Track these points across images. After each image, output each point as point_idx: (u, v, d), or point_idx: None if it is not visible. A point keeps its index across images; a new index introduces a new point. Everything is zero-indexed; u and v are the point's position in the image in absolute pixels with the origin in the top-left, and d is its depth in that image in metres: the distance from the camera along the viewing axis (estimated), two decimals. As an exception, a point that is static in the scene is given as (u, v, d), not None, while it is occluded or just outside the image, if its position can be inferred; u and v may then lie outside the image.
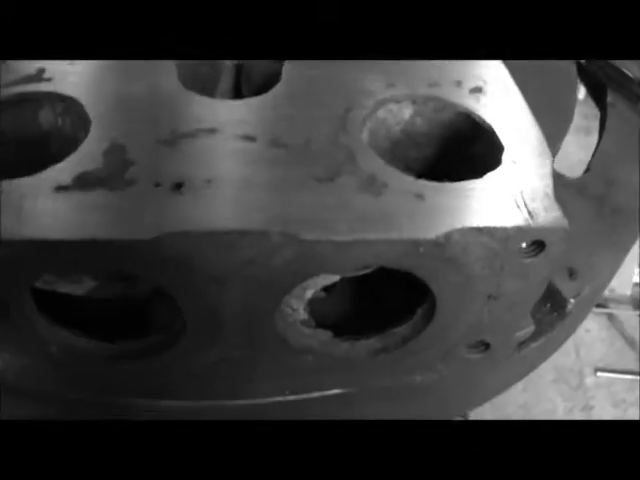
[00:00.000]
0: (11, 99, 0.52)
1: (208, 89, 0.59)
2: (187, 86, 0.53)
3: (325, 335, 0.52)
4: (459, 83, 0.54)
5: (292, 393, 0.53)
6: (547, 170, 0.49)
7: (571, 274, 0.59)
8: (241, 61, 0.62)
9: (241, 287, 0.44)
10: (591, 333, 1.21)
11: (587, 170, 0.68)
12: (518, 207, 0.46)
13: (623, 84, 0.81)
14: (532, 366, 0.62)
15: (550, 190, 0.48)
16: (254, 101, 0.51)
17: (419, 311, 0.50)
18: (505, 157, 0.49)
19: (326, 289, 0.54)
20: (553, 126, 0.67)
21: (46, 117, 0.54)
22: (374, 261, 0.44)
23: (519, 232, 0.45)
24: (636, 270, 1.39)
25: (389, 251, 0.44)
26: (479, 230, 0.44)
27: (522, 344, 0.57)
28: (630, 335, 1.19)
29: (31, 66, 0.54)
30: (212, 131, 0.48)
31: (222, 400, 0.54)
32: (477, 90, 0.54)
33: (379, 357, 0.51)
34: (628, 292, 1.38)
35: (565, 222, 0.46)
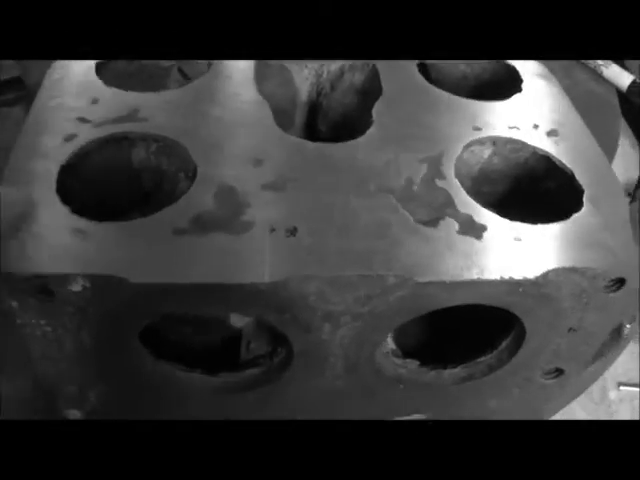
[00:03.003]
0: (106, 138, 0.53)
1: (286, 124, 0.61)
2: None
3: (413, 364, 0.54)
4: (536, 126, 0.57)
5: (378, 418, 0.56)
6: (624, 210, 0.53)
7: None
8: (316, 98, 0.64)
9: (353, 324, 0.47)
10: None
11: (632, 200, 0.71)
12: (603, 247, 0.49)
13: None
14: (587, 385, 0.66)
15: (629, 229, 0.51)
16: (354, 143, 0.53)
17: (504, 342, 0.53)
18: (585, 199, 0.52)
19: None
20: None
21: (138, 155, 0.55)
22: (477, 300, 0.47)
23: (605, 270, 0.49)
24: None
25: (492, 291, 0.47)
26: (572, 270, 0.48)
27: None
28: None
29: (124, 105, 0.55)
30: (318, 174, 0.50)
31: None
32: (553, 133, 0.57)
33: (464, 385, 0.54)
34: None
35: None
